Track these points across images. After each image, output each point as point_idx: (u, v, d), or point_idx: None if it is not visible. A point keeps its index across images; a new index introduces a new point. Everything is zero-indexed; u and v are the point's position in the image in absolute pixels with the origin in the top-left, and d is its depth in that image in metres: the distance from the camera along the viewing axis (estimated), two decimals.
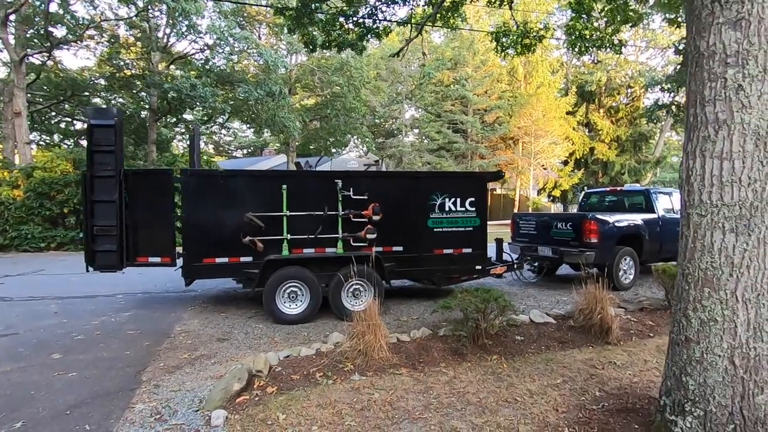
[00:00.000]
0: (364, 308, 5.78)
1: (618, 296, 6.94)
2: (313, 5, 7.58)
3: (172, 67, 19.27)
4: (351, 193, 5.91)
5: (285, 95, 17.67)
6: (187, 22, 14.80)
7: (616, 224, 7.75)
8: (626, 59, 26.42)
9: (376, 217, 5.90)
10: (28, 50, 14.40)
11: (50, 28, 13.90)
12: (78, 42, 16.74)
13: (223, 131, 37.23)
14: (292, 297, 5.68)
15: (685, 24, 8.93)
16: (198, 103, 15.31)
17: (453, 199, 6.42)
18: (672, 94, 11.10)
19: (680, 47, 9.49)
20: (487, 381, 3.80)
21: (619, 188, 9.98)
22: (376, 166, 6.68)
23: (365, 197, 5.99)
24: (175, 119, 26.23)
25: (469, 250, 6.54)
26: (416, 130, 27.68)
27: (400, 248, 6.25)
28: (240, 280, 6.12)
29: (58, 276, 9.22)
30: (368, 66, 22.77)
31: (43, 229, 13.60)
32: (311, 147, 29.59)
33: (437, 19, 9.12)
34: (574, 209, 28.23)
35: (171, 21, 15.96)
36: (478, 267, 6.62)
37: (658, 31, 23.83)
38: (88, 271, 5.58)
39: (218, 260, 5.62)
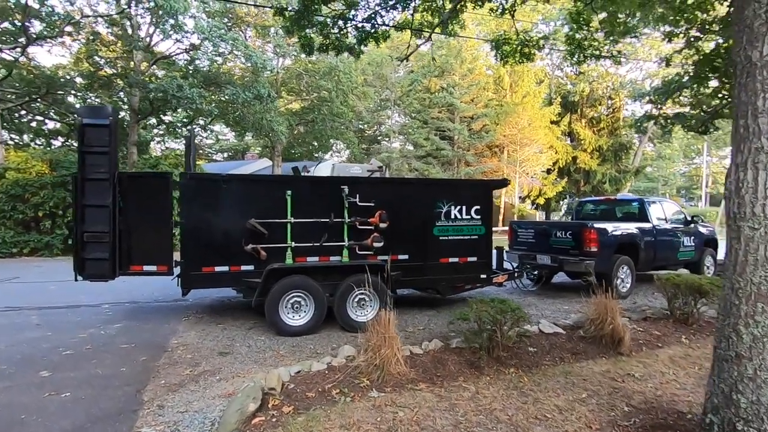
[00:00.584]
0: (371, 318, 5.65)
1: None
2: (314, 6, 7.40)
3: (154, 67, 18.68)
4: (357, 199, 5.74)
5: (273, 98, 17.35)
6: (172, 21, 14.37)
7: (614, 233, 7.81)
8: (607, 71, 27.16)
9: (383, 225, 5.74)
10: (1, 45, 13.66)
11: (26, 23, 13.24)
12: (55, 39, 16.03)
13: (204, 134, 36.43)
14: (296, 307, 5.44)
15: (679, 36, 9.14)
16: (184, 104, 14.84)
17: (459, 207, 6.32)
18: (659, 106, 11.34)
19: (668, 59, 9.70)
20: (512, 397, 3.67)
21: (613, 197, 10.13)
22: (380, 172, 6.52)
23: (371, 204, 5.82)
24: (155, 120, 25.47)
25: (474, 259, 6.45)
26: (402, 137, 27.70)
27: (406, 257, 6.10)
28: (240, 290, 5.84)
29: (35, 284, 8.68)
30: (356, 71, 22.65)
31: (15, 234, 12.85)
32: (293, 151, 29.22)
33: (438, 25, 9.08)
34: (556, 218, 28.72)
35: (155, 19, 15.49)
36: (483, 276, 6.53)
37: (638, 45, 24.60)
38: (77, 279, 5.20)
39: (218, 269, 5.34)
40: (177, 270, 5.38)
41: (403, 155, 24.19)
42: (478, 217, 6.44)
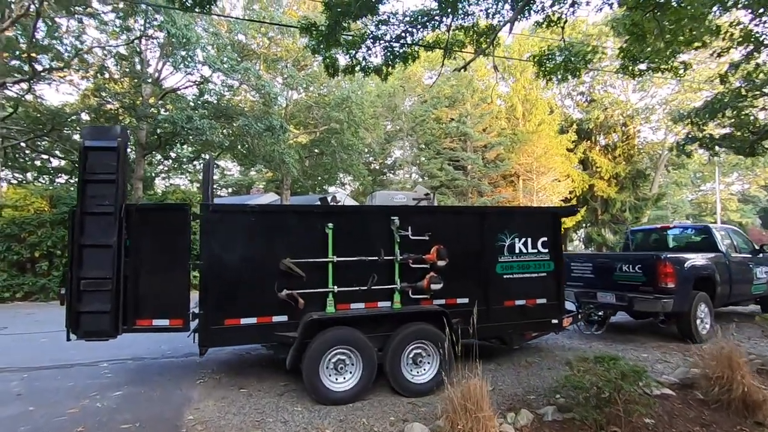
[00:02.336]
0: (430, 379, 4.58)
1: (699, 349, 5.89)
2: (345, 23, 6.76)
3: (162, 101, 18.26)
4: (410, 233, 4.80)
5: (285, 129, 16.78)
6: (184, 53, 13.96)
7: (693, 265, 6.80)
8: (618, 99, 26.90)
9: (441, 263, 4.77)
10: (7, 79, 13.18)
11: (33, 54, 12.80)
12: (64, 71, 15.64)
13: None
14: (340, 368, 4.38)
15: (730, 51, 8.47)
16: (193, 137, 14.23)
17: (524, 240, 5.37)
18: (701, 128, 10.59)
19: (724, 76, 9.03)
20: None
21: (671, 225, 9.20)
22: (428, 201, 5.62)
23: (425, 238, 4.87)
24: (161, 156, 24.97)
25: (543, 301, 5.43)
26: (414, 167, 27.10)
27: (465, 300, 5.09)
28: (270, 347, 4.80)
29: (24, 336, 7.61)
30: (367, 103, 22.30)
31: (8, 276, 11.84)
32: (299, 185, 28.57)
33: (471, 44, 8.46)
34: (576, 249, 27.64)
35: (165, 52, 15.14)
36: (555, 321, 5.48)
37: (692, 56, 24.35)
38: (69, 339, 4.18)
39: (244, 321, 4.33)
40: (194, 324, 4.38)
41: (421, 185, 23.47)
42: (546, 250, 5.47)
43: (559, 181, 23.61)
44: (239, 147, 19.21)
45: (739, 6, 7.29)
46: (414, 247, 4.85)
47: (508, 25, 6.74)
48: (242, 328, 4.33)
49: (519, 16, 6.75)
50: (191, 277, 4.54)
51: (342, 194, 22.02)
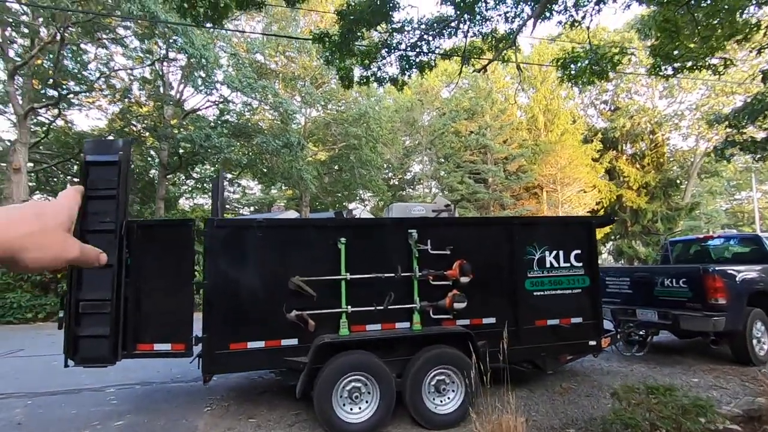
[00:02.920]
0: (455, 410, 4.12)
1: (761, 374, 5.22)
2: (357, 32, 6.56)
3: (184, 122, 18.63)
4: (429, 246, 4.42)
5: (303, 146, 16.76)
6: (203, 74, 14.17)
7: (747, 279, 6.14)
8: (644, 106, 25.99)
9: (464, 279, 4.36)
10: (34, 104, 13.61)
11: (60, 80, 13.21)
12: (92, 96, 16.12)
13: (231, 188, 36.55)
14: (355, 396, 3.98)
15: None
16: (212, 155, 14.32)
17: (555, 252, 4.91)
18: (741, 131, 9.90)
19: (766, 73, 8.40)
20: None
21: (715, 234, 8.50)
22: (448, 212, 5.23)
23: (447, 252, 4.48)
24: (184, 176, 25.40)
25: (579, 320, 4.92)
26: (434, 181, 26.72)
27: (492, 320, 4.64)
28: (279, 372, 4.45)
29: (39, 358, 7.48)
30: (384, 118, 22.21)
31: (31, 297, 11.95)
32: (319, 202, 28.59)
33: (489, 50, 8.16)
34: (605, 262, 26.49)
35: (186, 73, 15.45)
36: (593, 342, 4.94)
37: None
38: (66, 365, 3.94)
39: (251, 345, 4.01)
40: (197, 348, 4.08)
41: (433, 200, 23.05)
42: (580, 264, 4.98)
43: (585, 192, 22.77)
44: (259, 165, 19.30)
45: None
46: (434, 263, 4.46)
47: (530, 22, 6.39)
48: (249, 353, 4.00)
49: (541, 17, 6.41)
50: (195, 298, 4.27)
51: (359, 210, 21.80)
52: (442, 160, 25.33)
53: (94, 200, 3.89)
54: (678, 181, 25.04)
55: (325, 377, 3.89)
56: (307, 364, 3.88)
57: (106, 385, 5.64)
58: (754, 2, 6.54)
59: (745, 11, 6.50)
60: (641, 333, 6.46)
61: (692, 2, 5.69)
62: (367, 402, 4.01)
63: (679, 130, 27.40)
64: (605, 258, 29.92)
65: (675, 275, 6.25)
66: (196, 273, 4.36)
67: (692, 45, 6.36)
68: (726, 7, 5.93)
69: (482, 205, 24.28)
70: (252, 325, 4.03)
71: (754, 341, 6.12)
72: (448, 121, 24.04)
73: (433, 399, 4.19)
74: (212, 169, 24.32)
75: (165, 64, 16.84)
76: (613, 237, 25.70)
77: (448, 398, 4.21)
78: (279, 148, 15.30)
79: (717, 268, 5.97)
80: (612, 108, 26.83)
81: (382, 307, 4.19)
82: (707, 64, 6.54)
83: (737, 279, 6.05)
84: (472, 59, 8.54)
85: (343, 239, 4.21)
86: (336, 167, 24.84)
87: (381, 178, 26.12)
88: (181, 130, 15.71)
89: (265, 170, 20.67)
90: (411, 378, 4.09)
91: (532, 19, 6.27)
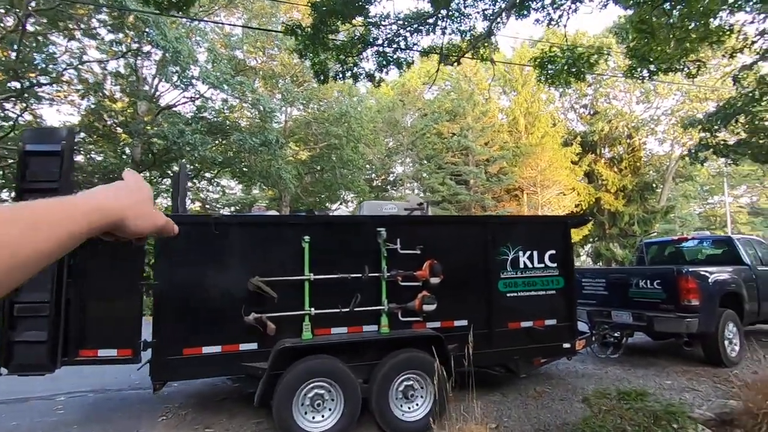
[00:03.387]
0: (423, 417, 3.94)
1: (732, 375, 5.19)
2: (331, 25, 6.35)
3: (159, 118, 18.05)
4: (398, 246, 4.23)
5: (282, 144, 16.41)
6: (177, 68, 13.70)
7: (718, 280, 6.15)
8: (622, 111, 26.48)
9: (434, 280, 4.18)
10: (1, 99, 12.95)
11: (22, 71, 12.56)
12: (59, 88, 15.45)
13: (211, 188, 35.79)
14: (318, 404, 3.76)
15: (744, 52, 7.98)
16: (186, 152, 13.86)
17: (529, 253, 4.78)
18: (714, 134, 10.04)
19: (737, 78, 8.52)
20: None
21: (688, 236, 8.56)
22: (420, 211, 5.06)
23: (417, 252, 4.30)
24: (159, 174, 24.72)
25: (553, 322, 4.80)
26: (416, 183, 26.63)
27: (464, 322, 4.48)
28: (237, 379, 4.19)
29: None
30: (366, 118, 22.00)
31: None
32: (301, 202, 28.19)
33: (467, 49, 8.05)
34: (584, 264, 26.82)
35: (160, 68, 14.94)
36: (567, 345, 4.83)
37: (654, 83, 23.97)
38: (0, 374, 3.61)
39: (206, 350, 3.75)
40: (147, 354, 3.79)
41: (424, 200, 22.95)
42: (554, 264, 4.87)
43: (565, 194, 22.99)
44: (237, 163, 18.84)
45: (747, 10, 6.90)
46: (404, 263, 4.27)
47: (504, 14, 6.29)
48: (204, 359, 3.74)
49: (517, 13, 6.32)
50: (144, 300, 3.98)
51: (344, 210, 21.52)
52: (424, 161, 25.28)
53: (32, 193, 3.57)
54: (654, 185, 25.52)
55: (285, 384, 3.65)
56: (266, 370, 3.65)
57: (56, 393, 5.27)
58: (726, 7, 6.61)
59: (718, 17, 6.55)
60: (616, 335, 6.40)
61: (667, 5, 5.68)
62: (330, 409, 3.80)
63: (655, 135, 28.06)
64: (584, 260, 30.32)
65: (649, 276, 6.22)
66: (145, 273, 4.05)
67: (667, 49, 6.37)
68: (701, 8, 5.94)
69: (463, 207, 24.26)
70: (207, 328, 3.77)
71: (726, 342, 6.13)
72: (430, 122, 23.99)
73: (401, 405, 4.00)
74: (189, 168, 23.71)
75: (139, 58, 16.28)
76: (591, 239, 26.04)
77: (417, 404, 4.03)
78: (257, 146, 14.93)
79: (690, 270, 5.96)
80: (591, 112, 27.23)
81: (347, 310, 3.98)
82: (682, 66, 6.56)
83: (710, 280, 6.06)
84: (451, 57, 8.43)
85: (306, 237, 3.99)
86: (317, 167, 24.51)
87: (363, 179, 25.88)
88: (154, 126, 15.18)
89: (245, 169, 20.23)
90: (378, 384, 3.89)
91: (506, 11, 6.17)
